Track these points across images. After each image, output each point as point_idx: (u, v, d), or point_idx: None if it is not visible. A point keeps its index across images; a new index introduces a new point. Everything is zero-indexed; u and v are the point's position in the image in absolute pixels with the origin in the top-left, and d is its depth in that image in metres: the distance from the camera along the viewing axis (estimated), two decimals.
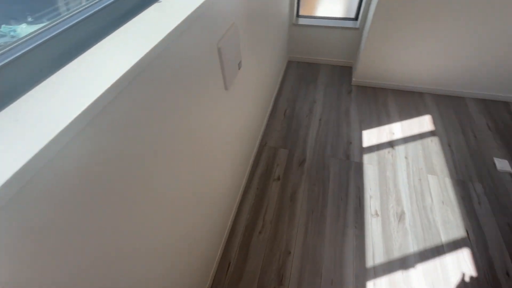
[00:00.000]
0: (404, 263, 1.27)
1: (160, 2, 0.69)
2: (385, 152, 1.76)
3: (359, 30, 2.26)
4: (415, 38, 1.91)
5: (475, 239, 1.34)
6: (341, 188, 1.58)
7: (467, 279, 1.21)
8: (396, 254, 1.30)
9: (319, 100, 2.18)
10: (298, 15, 2.41)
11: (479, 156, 1.71)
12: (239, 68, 1.09)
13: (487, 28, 1.75)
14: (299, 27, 2.39)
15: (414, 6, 1.76)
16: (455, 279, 1.21)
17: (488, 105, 2.05)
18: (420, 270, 1.24)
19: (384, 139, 1.85)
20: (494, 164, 1.66)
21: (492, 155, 1.71)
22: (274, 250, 1.34)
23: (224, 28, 0.85)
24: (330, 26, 2.31)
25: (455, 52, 1.91)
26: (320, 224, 1.43)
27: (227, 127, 1.09)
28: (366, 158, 1.73)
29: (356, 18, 2.30)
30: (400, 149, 1.78)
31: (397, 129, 1.91)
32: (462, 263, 1.26)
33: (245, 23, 1.09)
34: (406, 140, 1.84)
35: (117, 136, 0.45)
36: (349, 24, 2.30)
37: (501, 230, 1.36)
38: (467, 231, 1.37)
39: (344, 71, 2.47)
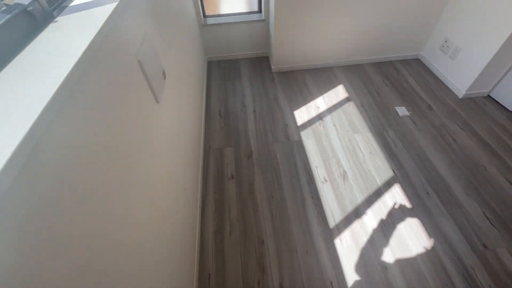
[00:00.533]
0: (357, 213, 1.47)
1: (56, 21, 0.61)
2: (317, 125, 1.97)
3: (266, 21, 2.42)
4: (316, 21, 2.15)
5: (399, 174, 1.64)
6: (290, 167, 1.71)
7: (402, 206, 1.48)
8: (349, 208, 1.50)
9: (248, 93, 2.26)
10: (205, 16, 2.42)
11: (385, 108, 2.07)
12: (164, 78, 1.05)
13: (369, 5, 2.10)
14: (210, 27, 2.40)
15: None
16: (394, 211, 1.47)
17: (380, 66, 2.49)
18: (370, 214, 1.46)
19: (313, 114, 2.06)
20: (397, 112, 2.04)
21: (393, 105, 2.09)
22: (248, 245, 1.37)
23: (138, 40, 0.81)
24: (237, 21, 2.39)
25: (349, 28, 2.24)
26: (282, 205, 1.52)
27: (168, 141, 1.05)
28: (303, 134, 1.90)
29: (260, 11, 2.45)
30: (328, 119, 2.01)
31: (320, 103, 2.14)
32: (396, 195, 1.53)
33: (157, 31, 1.05)
34: (330, 110, 2.08)
35: (44, 184, 0.40)
36: (255, 17, 2.43)
37: (414, 161, 1.70)
38: (393, 170, 1.66)
39: (263, 61, 2.61)
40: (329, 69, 2.49)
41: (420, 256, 1.30)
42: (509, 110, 2.01)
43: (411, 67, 2.46)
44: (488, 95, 2.14)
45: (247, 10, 2.46)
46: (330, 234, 1.40)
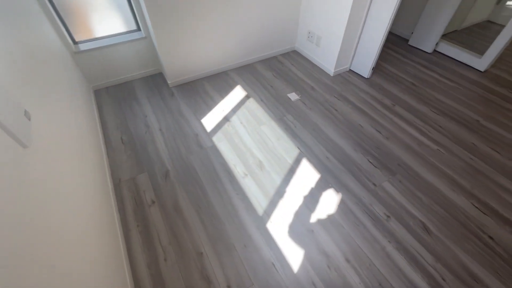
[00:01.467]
0: (279, 194, 1.62)
1: None
2: (226, 127, 2.06)
3: (148, 38, 2.36)
4: (197, 30, 2.23)
5: (304, 149, 1.88)
6: (210, 173, 1.73)
7: (313, 178, 1.71)
8: (272, 192, 1.63)
9: (149, 113, 2.17)
10: (75, 42, 2.18)
11: (280, 97, 2.33)
12: (29, 119, 0.91)
13: (242, 13, 2.30)
14: (85, 54, 2.18)
15: (181, 5, 2.03)
16: (308, 181, 1.69)
17: (267, 62, 2.78)
18: (290, 192, 1.63)
19: (220, 117, 2.14)
20: (289, 98, 2.32)
21: (285, 93, 2.38)
22: (187, 263, 1.33)
23: None
24: (118, 42, 2.25)
25: (231, 33, 2.41)
26: (211, 211, 1.53)
27: (56, 189, 0.92)
28: (215, 139, 1.96)
29: (139, 29, 2.37)
30: (234, 119, 2.13)
31: (224, 106, 2.24)
32: (306, 169, 1.76)
33: (5, 69, 0.90)
34: (234, 110, 2.20)
35: None
36: (136, 35, 2.33)
37: (312, 135, 1.98)
38: (298, 148, 1.89)
39: (158, 78, 2.54)
40: (224, 73, 2.63)
41: (335, 211, 1.54)
42: (365, 77, 2.57)
43: (292, 58, 2.85)
44: (350, 69, 2.68)
45: (125, 30, 2.34)
46: (261, 220, 1.49)
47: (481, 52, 2.68)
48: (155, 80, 2.52)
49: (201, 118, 2.13)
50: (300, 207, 1.56)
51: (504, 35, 2.43)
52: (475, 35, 3.23)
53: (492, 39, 2.53)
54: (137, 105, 2.24)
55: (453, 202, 1.58)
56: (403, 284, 1.27)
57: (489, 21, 3.51)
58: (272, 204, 1.57)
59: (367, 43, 2.37)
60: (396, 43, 3.15)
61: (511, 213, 1.54)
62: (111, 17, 2.22)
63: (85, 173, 1.28)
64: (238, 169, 1.75)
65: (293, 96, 2.34)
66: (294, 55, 2.89)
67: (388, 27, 2.16)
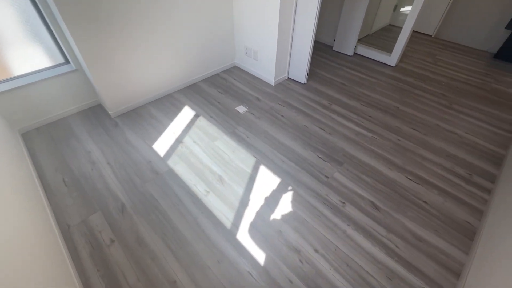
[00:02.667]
0: (244, 204, 1.66)
1: None
2: (179, 148, 2.03)
3: (80, 70, 2.22)
4: (135, 54, 2.19)
5: (259, 157, 1.97)
6: (171, 198, 1.69)
7: (272, 182, 1.80)
8: (236, 203, 1.66)
9: (93, 149, 2.02)
10: None
11: (228, 112, 2.40)
12: None
13: (180, 34, 2.33)
14: (3, 95, 1.95)
15: (113, 31, 1.97)
16: (268, 186, 1.77)
17: (211, 80, 2.85)
18: (254, 199, 1.68)
19: (172, 140, 2.10)
20: (238, 111, 2.42)
21: (233, 107, 2.47)
22: None
23: None
24: (43, 78, 2.07)
25: (171, 54, 2.42)
26: (178, 236, 1.49)
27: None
28: (171, 162, 1.92)
29: (68, 61, 2.22)
30: (187, 139, 2.12)
31: (175, 128, 2.22)
32: (265, 174, 1.84)
33: None
34: (185, 131, 2.20)
35: None
36: (65, 69, 2.18)
37: (264, 142, 2.09)
38: (254, 156, 1.97)
39: (98, 110, 2.39)
40: (170, 95, 2.61)
41: (297, 208, 1.64)
42: (302, 83, 2.82)
43: (233, 73, 2.97)
44: (288, 77, 2.92)
45: (52, 64, 2.17)
46: (231, 233, 1.51)
47: (389, 51, 3.19)
48: (95, 112, 2.36)
49: (152, 144, 2.07)
50: (265, 211, 1.62)
51: (403, 35, 2.96)
52: (383, 37, 3.83)
53: (396, 39, 3.05)
54: (77, 142, 2.07)
55: (391, 178, 1.83)
56: (365, 259, 1.41)
57: (391, 25, 4.21)
58: (239, 215, 1.60)
59: (298, 52, 2.63)
60: (323, 50, 3.54)
61: (435, 178, 1.84)
62: (34, 52, 2.04)
63: (22, 228, 1.14)
64: (199, 188, 1.75)
65: (241, 109, 2.44)
66: (235, 70, 3.03)
67: (313, 36, 2.44)
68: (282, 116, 2.37)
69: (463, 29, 3.69)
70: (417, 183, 1.81)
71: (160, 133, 2.17)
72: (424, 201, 1.70)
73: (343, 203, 1.67)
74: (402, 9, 4.08)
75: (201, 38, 2.57)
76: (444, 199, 1.71)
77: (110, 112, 2.31)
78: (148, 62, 2.31)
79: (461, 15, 3.63)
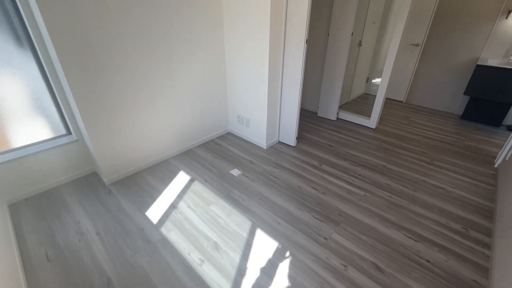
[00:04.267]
0: (241, 273, 1.56)
1: None
2: (173, 214, 2.00)
3: (80, 141, 2.32)
4: (135, 123, 2.34)
5: (255, 220, 1.94)
6: (163, 269, 1.58)
7: (270, 246, 1.74)
8: (233, 272, 1.56)
9: (83, 219, 1.96)
10: None
11: (223, 175, 2.46)
12: None
13: (177, 105, 2.57)
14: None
15: (116, 102, 2.16)
16: (266, 251, 1.70)
17: (206, 146, 3.00)
18: (251, 266, 1.59)
19: (166, 206, 2.08)
20: (232, 174, 2.48)
21: (228, 171, 2.54)
22: None
23: None
24: (42, 150, 2.14)
25: (169, 122, 2.60)
26: None
27: None
28: (164, 229, 1.86)
29: (69, 133, 2.34)
30: (181, 204, 2.10)
31: (169, 194, 2.22)
32: (262, 238, 1.79)
33: None
34: (180, 196, 2.20)
35: None
36: (65, 140, 2.28)
37: (260, 204, 2.09)
38: (250, 219, 1.95)
39: (92, 178, 2.40)
40: (166, 161, 2.69)
41: (297, 275, 1.55)
42: (292, 146, 3.00)
43: (227, 139, 3.15)
44: (279, 141, 3.11)
45: (53, 135, 2.28)
46: None
47: (368, 115, 3.53)
48: (89, 181, 2.37)
49: (146, 211, 2.03)
50: (265, 280, 1.51)
51: (377, 102, 3.33)
52: (360, 104, 4.28)
53: (372, 105, 3.43)
54: (67, 213, 2.01)
55: (389, 237, 1.81)
56: None
57: (366, 93, 4.76)
58: (236, 285, 1.48)
59: (287, 119, 2.89)
60: (308, 116, 3.88)
61: (432, 235, 1.83)
62: (37, 124, 2.16)
63: None
64: (193, 257, 1.65)
65: (236, 172, 2.51)
66: (229, 136, 3.22)
67: (299, 105, 2.73)
68: (275, 177, 2.44)
69: (428, 95, 4.20)
70: (416, 241, 1.78)
71: (154, 199, 2.16)
72: (427, 260, 1.65)
73: (345, 266, 1.60)
74: (373, 81, 4.69)
75: (197, 108, 2.82)
76: (446, 257, 1.67)
77: (104, 180, 2.32)
78: (147, 131, 2.46)
79: (424, 84, 4.19)
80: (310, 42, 3.59)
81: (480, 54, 3.58)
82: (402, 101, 4.51)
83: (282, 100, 2.82)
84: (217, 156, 2.78)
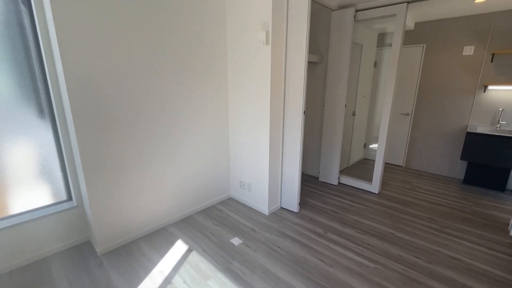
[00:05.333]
0: None
1: None
2: None
3: (80, 207, 2.29)
4: (136, 189, 2.34)
5: None
6: None
7: None
8: None
9: None
10: None
11: (223, 245, 2.33)
12: None
13: (178, 170, 2.62)
14: None
15: (119, 167, 2.21)
16: None
17: (206, 212, 2.92)
18: None
19: (159, 281, 1.90)
20: (233, 243, 2.35)
21: (228, 239, 2.41)
22: None
23: None
24: (39, 217, 2.10)
25: (169, 188, 2.60)
26: None
27: None
28: None
29: (70, 198, 2.33)
30: (176, 279, 1.93)
31: (164, 266, 2.06)
32: None
33: None
34: (176, 268, 2.03)
35: None
36: (65, 206, 2.26)
37: (261, 278, 1.91)
38: None
39: (84, 247, 2.27)
40: (164, 229, 2.58)
41: None
42: (295, 212, 2.92)
43: (229, 205, 3.09)
44: (281, 207, 3.04)
45: (54, 201, 2.26)
46: None
47: (369, 180, 3.54)
48: (80, 250, 2.23)
49: (137, 285, 1.85)
50: None
51: (377, 166, 3.39)
52: (360, 168, 4.34)
53: (372, 170, 3.47)
54: (51, 287, 1.84)
55: None
56: None
57: (365, 158, 4.87)
58: None
59: (289, 184, 2.89)
60: (310, 181, 3.89)
61: None
62: (40, 189, 2.18)
63: None
64: None
65: (236, 241, 2.38)
66: (231, 202, 3.17)
67: (300, 170, 2.78)
68: (279, 247, 2.30)
69: (427, 160, 4.29)
70: None
71: (148, 272, 1.99)
72: None
73: None
74: (371, 146, 4.87)
75: (200, 173, 2.87)
76: None
77: (97, 250, 2.19)
78: (147, 197, 2.45)
79: (420, 149, 4.33)
80: (308, 112, 3.89)
81: (468, 122, 3.81)
82: (401, 166, 4.58)
83: (284, 165, 2.89)
84: (217, 223, 2.68)
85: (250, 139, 2.85)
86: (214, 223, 2.68)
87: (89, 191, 2.06)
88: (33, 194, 2.15)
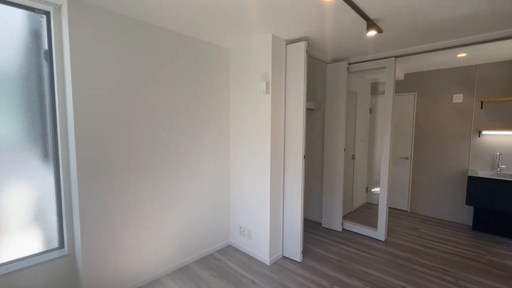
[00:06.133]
0: None
1: None
2: None
3: (70, 255, 2.17)
4: (129, 236, 2.24)
5: None
6: None
7: None
8: None
9: None
10: None
11: None
12: None
13: (176, 216, 2.55)
14: None
15: (113, 212, 2.15)
16: None
17: (204, 261, 2.75)
18: None
19: None
20: None
21: None
22: None
23: None
24: (27, 266, 1.98)
25: (165, 237, 2.49)
26: None
27: None
28: None
29: (62, 246, 2.22)
30: None
31: None
32: None
33: None
34: None
35: None
36: (56, 254, 2.14)
37: None
38: None
39: None
40: (157, 281, 2.40)
41: None
42: (298, 261, 2.74)
43: (228, 253, 2.93)
44: (283, 256, 2.87)
45: (44, 249, 2.15)
46: None
47: (374, 225, 3.41)
48: None
49: None
50: None
51: (381, 211, 3.30)
52: (364, 213, 4.21)
53: (376, 215, 3.37)
54: None
55: None
56: None
57: (368, 203, 4.76)
58: None
59: (290, 230, 2.78)
60: (313, 227, 3.75)
61: None
62: (30, 235, 2.09)
63: None
64: None
65: None
66: (230, 250, 3.00)
67: (302, 215, 2.70)
68: None
69: (431, 205, 4.19)
70: None
71: None
72: None
73: None
74: (373, 190, 4.80)
75: (198, 219, 2.78)
76: None
77: None
78: (142, 245, 2.34)
79: (423, 193, 4.26)
80: (308, 156, 3.94)
81: (468, 165, 3.83)
82: (406, 211, 4.45)
83: (285, 210, 2.82)
84: (215, 274, 2.50)
85: (251, 183, 2.83)
86: (212, 274, 2.50)
87: (83, 238, 1.98)
88: (24, 240, 2.06)
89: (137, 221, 2.28)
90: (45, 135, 2.08)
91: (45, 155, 2.10)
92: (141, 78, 2.24)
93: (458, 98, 3.86)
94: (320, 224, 3.83)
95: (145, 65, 2.26)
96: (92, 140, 1.99)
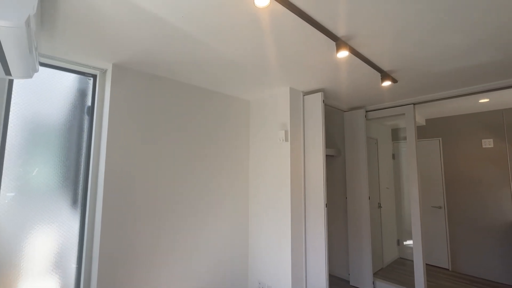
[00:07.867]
0: None
1: None
2: None
3: None
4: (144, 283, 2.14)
5: None
6: None
7: None
8: None
9: None
10: None
11: None
12: None
13: (194, 264, 2.44)
14: None
15: (131, 259, 2.10)
16: None
17: None
18: None
19: None
20: None
21: None
22: None
23: None
24: None
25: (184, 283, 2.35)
26: None
27: None
28: None
29: None
30: None
31: None
32: None
33: None
34: None
35: None
36: None
37: None
38: None
39: None
40: None
41: None
42: None
43: None
44: None
45: None
46: None
47: (411, 285, 3.01)
48: None
49: None
50: None
51: (417, 269, 2.93)
52: (398, 270, 3.76)
53: (411, 272, 2.99)
54: None
55: None
56: None
57: (401, 258, 4.28)
58: None
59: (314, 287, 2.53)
60: (339, 285, 3.37)
61: None
62: (44, 283, 2.07)
63: None
64: None
65: None
66: None
67: (327, 271, 2.47)
68: None
69: (478, 262, 3.67)
70: None
71: None
72: None
73: None
74: (405, 243, 4.35)
75: (215, 275, 2.64)
76: None
77: None
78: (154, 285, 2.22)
79: (465, 248, 3.78)
80: (330, 205, 3.78)
81: None
82: (447, 269, 3.92)
83: (308, 264, 2.60)
84: None
85: (271, 234, 2.71)
86: None
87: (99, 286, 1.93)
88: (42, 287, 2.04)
89: (155, 273, 2.20)
90: (77, 182, 2.22)
91: (74, 201, 2.21)
92: (168, 131, 2.41)
93: (488, 143, 3.68)
94: (348, 282, 3.44)
95: (173, 119, 2.46)
96: (120, 188, 2.09)
